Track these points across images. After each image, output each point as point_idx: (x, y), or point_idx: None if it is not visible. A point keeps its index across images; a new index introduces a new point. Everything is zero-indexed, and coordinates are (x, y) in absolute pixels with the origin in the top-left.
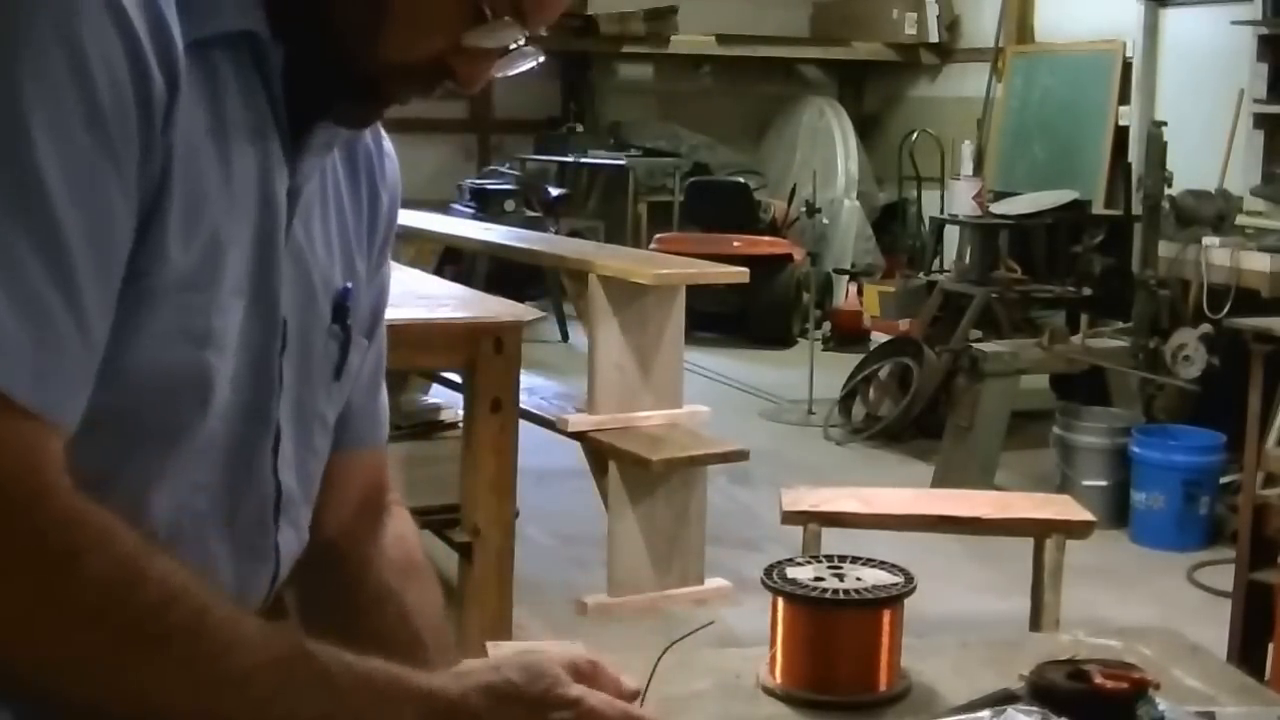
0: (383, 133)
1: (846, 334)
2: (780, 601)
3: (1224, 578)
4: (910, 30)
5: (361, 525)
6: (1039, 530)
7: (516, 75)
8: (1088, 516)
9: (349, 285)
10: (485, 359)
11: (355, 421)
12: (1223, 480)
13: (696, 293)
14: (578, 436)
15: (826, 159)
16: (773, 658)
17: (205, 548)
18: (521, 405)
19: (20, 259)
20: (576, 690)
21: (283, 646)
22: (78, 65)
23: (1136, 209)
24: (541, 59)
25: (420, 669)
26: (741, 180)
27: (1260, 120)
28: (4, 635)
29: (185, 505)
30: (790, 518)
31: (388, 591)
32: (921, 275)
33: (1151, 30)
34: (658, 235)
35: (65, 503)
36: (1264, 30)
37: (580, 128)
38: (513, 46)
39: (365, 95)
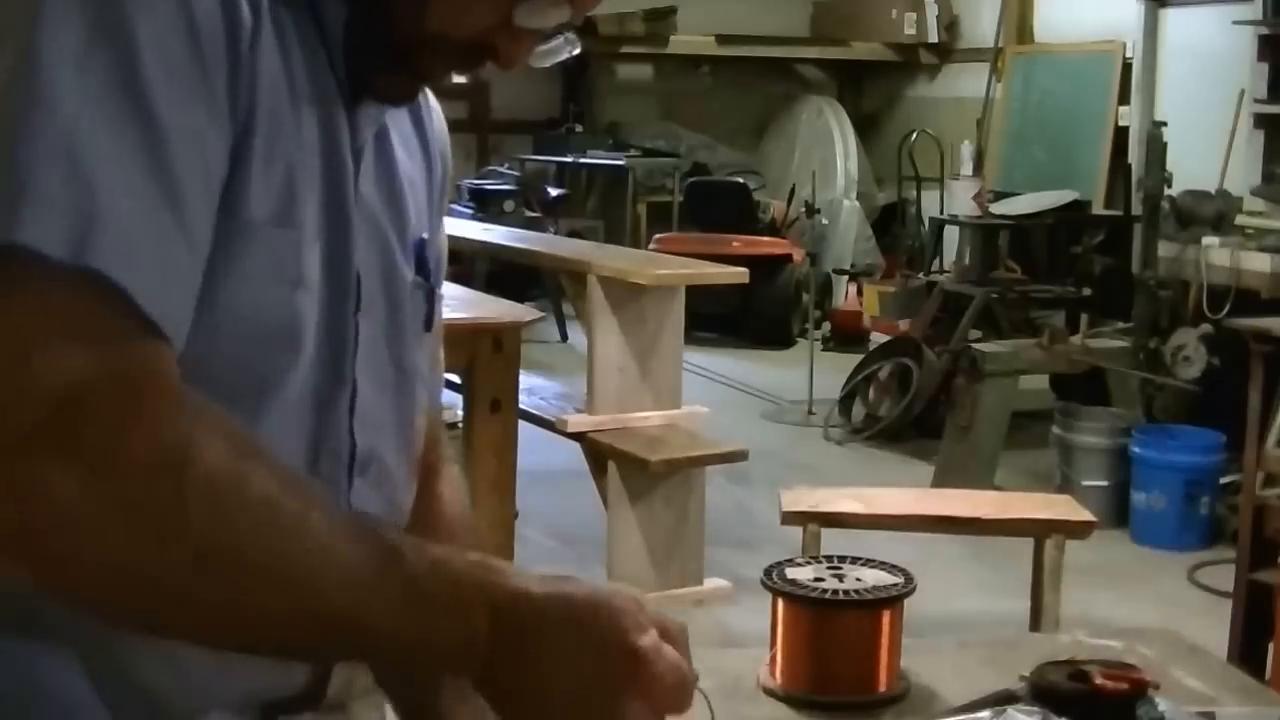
0: (428, 90)
1: (846, 334)
2: (780, 602)
3: (1224, 578)
4: (910, 30)
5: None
6: (1039, 530)
7: (517, 74)
8: (1088, 517)
9: (425, 237)
10: (485, 359)
11: (421, 381)
12: (1223, 480)
13: (696, 293)
14: (577, 437)
15: (826, 159)
16: (772, 658)
17: None
18: (521, 406)
19: (130, 169)
20: (650, 641)
21: (377, 546)
22: None
23: (1136, 209)
24: (577, 49)
25: None
26: (741, 180)
27: (1260, 120)
28: (113, 542)
29: None
30: (790, 518)
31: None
32: (921, 275)
33: (1151, 30)
34: (657, 235)
35: (176, 409)
36: (1264, 30)
37: (579, 128)
38: (555, 28)
39: (406, 67)
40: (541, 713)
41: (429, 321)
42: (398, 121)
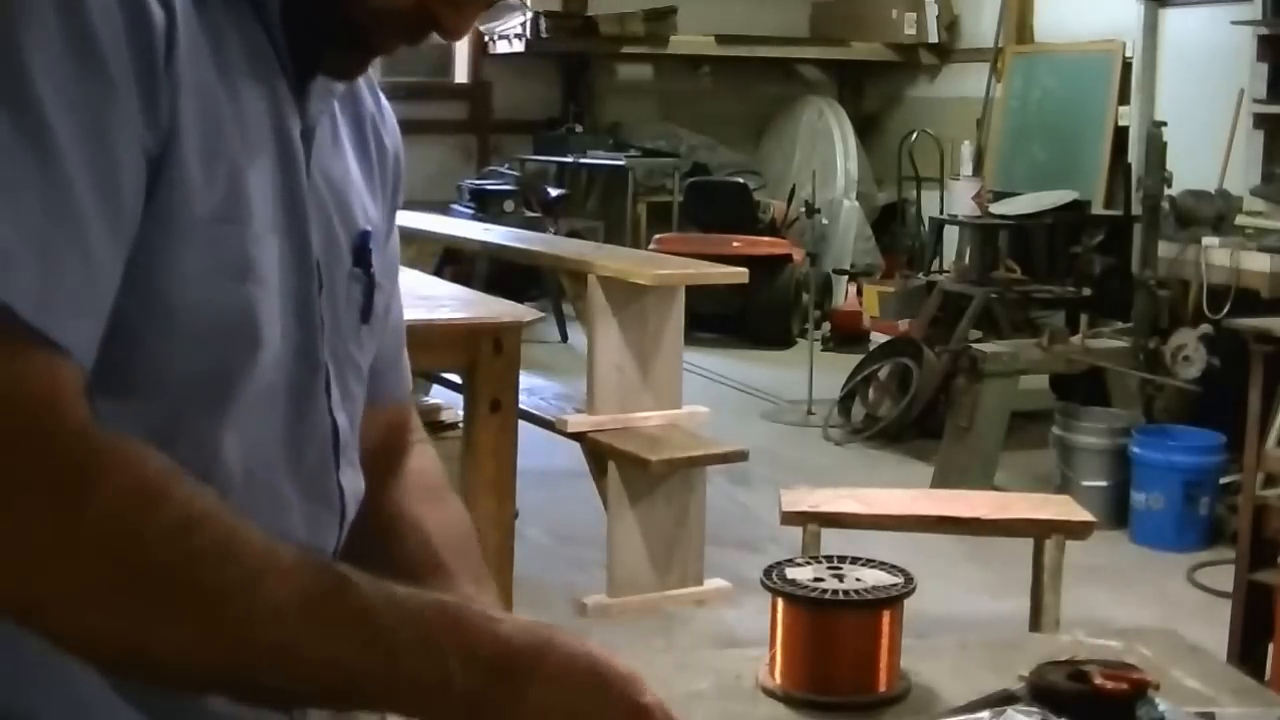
0: (379, 89)
1: (846, 334)
2: (780, 602)
3: (1224, 578)
4: (909, 30)
5: (379, 463)
6: (1039, 531)
7: (517, 75)
8: (1087, 517)
9: (368, 229)
10: (485, 359)
11: (382, 377)
12: (1223, 481)
13: (696, 293)
14: (577, 437)
15: (826, 159)
16: (772, 658)
17: (279, 495)
18: (521, 406)
19: (19, 189)
20: (655, 700)
21: (320, 576)
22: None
23: (1136, 209)
24: (529, 12)
25: (447, 593)
26: (741, 180)
27: (1260, 120)
28: (12, 567)
29: (255, 454)
30: (790, 518)
31: (406, 519)
32: (921, 275)
33: (1151, 30)
34: (657, 236)
35: (79, 426)
36: (1264, 30)
37: (579, 128)
38: None
39: (353, 43)
40: None
41: (365, 313)
42: (345, 110)
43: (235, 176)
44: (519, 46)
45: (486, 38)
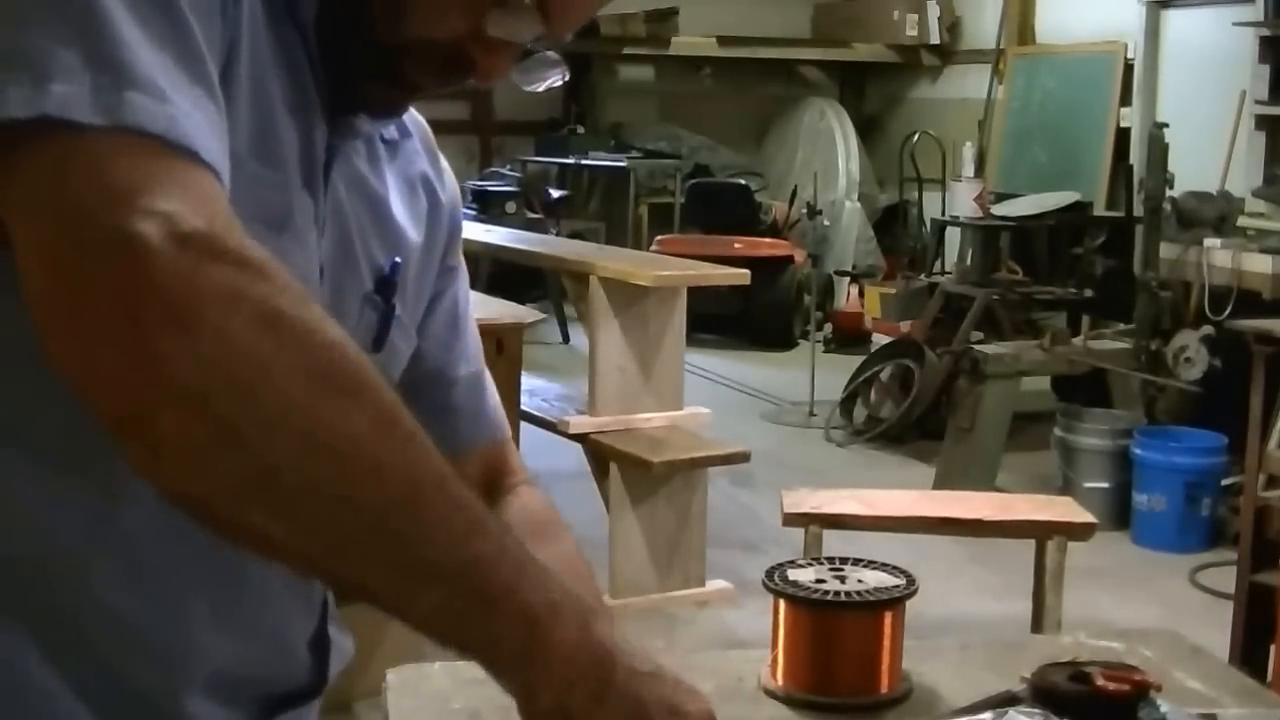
0: (440, 156)
1: (848, 336)
2: (782, 603)
3: (1225, 580)
4: (911, 31)
5: None
6: (1040, 532)
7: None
8: (1089, 518)
9: (397, 260)
10: (487, 361)
11: (463, 423)
12: (1224, 482)
13: (697, 294)
14: (579, 438)
15: (827, 160)
16: (774, 660)
17: None
18: (522, 407)
19: (147, 22)
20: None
21: (446, 465)
22: None
23: (1138, 210)
24: (566, 76)
25: None
26: (742, 182)
27: (1262, 122)
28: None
29: None
30: (791, 519)
31: None
32: (923, 277)
33: (1153, 31)
34: (658, 237)
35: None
36: (1265, 32)
37: (581, 129)
38: (532, 43)
39: (386, 75)
40: None
41: (378, 342)
42: (393, 164)
43: (271, 125)
44: None
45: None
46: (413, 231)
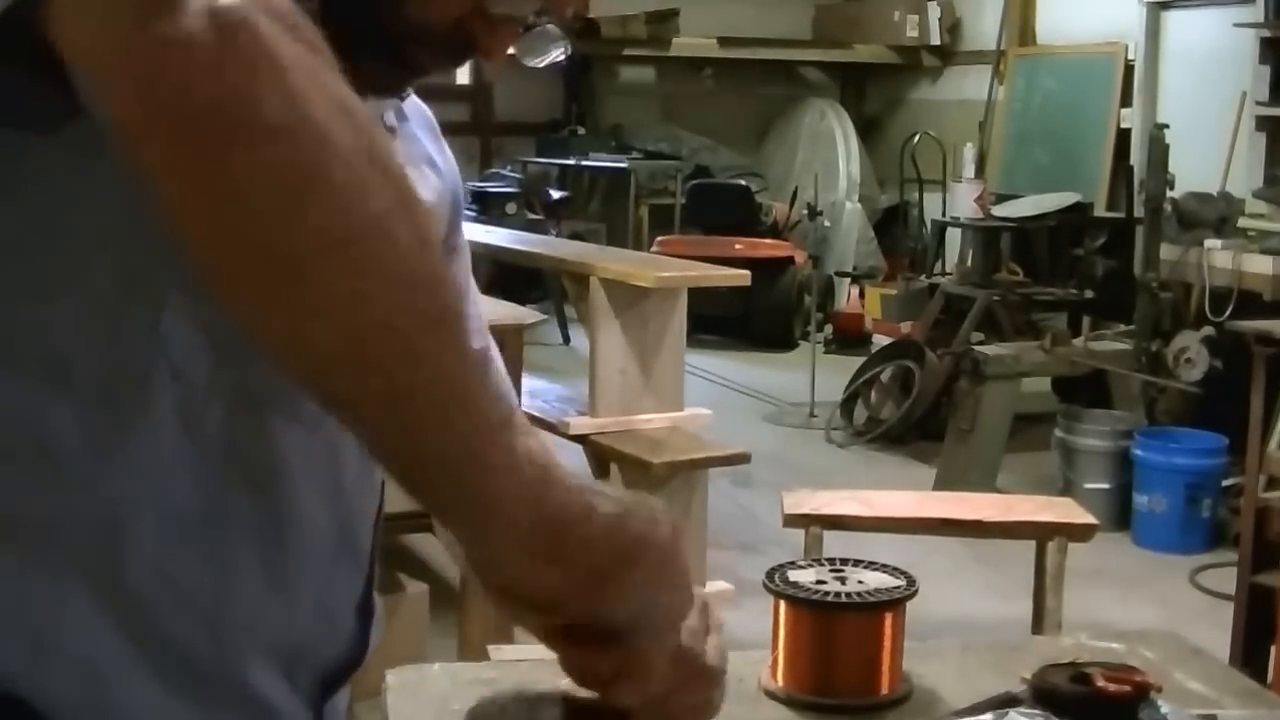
0: (442, 137)
1: (848, 337)
2: (782, 604)
3: (1226, 581)
4: (912, 33)
5: None
6: (1041, 533)
7: (519, 77)
8: (1090, 519)
9: None
10: None
11: None
12: (1225, 483)
13: (698, 295)
14: (579, 439)
15: (828, 161)
16: (774, 661)
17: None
18: (523, 408)
19: None
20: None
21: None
22: None
23: (1138, 211)
24: (569, 50)
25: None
26: (743, 183)
27: (1262, 123)
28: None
29: None
30: (792, 520)
31: None
32: (923, 278)
33: (1153, 32)
34: (659, 238)
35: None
36: (1266, 33)
37: (582, 130)
38: (532, 20)
39: (389, 56)
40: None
41: None
42: (401, 147)
43: None
44: None
45: None
46: None
